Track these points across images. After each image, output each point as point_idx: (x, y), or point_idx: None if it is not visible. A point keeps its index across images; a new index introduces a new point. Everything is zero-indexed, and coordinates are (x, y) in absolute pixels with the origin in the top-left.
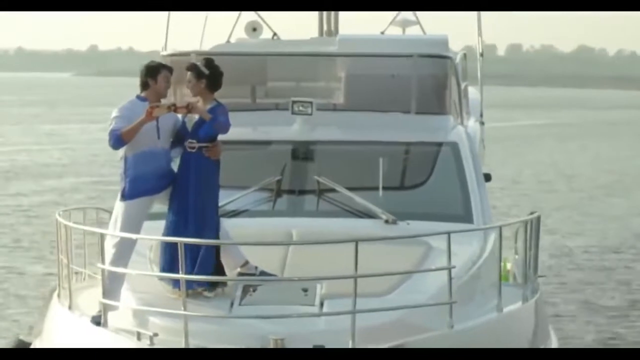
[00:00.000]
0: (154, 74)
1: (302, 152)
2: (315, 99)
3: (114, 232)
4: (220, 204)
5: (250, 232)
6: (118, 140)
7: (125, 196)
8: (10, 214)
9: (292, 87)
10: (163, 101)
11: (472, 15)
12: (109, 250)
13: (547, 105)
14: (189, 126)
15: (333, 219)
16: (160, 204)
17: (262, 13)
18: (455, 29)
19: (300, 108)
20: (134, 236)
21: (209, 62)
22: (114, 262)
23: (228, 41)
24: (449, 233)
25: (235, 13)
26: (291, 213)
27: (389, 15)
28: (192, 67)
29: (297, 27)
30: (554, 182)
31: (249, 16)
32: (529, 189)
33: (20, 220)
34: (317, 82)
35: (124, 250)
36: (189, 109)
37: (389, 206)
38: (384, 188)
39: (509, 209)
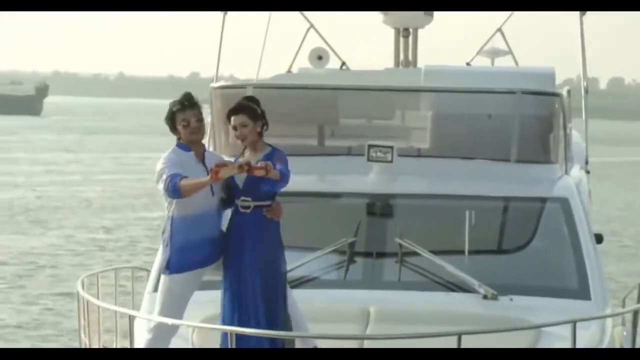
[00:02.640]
0: (172, 124)
1: (380, 207)
2: (395, 143)
3: (146, 315)
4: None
5: (319, 309)
6: (176, 190)
7: (170, 269)
8: None
9: (368, 128)
10: (235, 157)
11: (572, 47)
12: (143, 335)
13: None
14: (239, 179)
15: (418, 292)
16: (211, 275)
17: (330, 40)
18: (549, 62)
19: (379, 154)
20: (170, 321)
21: (254, 99)
22: None
23: (289, 71)
24: (574, 322)
25: (298, 40)
26: (367, 284)
27: (476, 44)
28: (246, 108)
29: (369, 55)
30: None
31: (313, 43)
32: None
33: None
34: (398, 122)
35: (162, 337)
36: (268, 170)
37: (485, 276)
38: (478, 252)
39: (619, 274)
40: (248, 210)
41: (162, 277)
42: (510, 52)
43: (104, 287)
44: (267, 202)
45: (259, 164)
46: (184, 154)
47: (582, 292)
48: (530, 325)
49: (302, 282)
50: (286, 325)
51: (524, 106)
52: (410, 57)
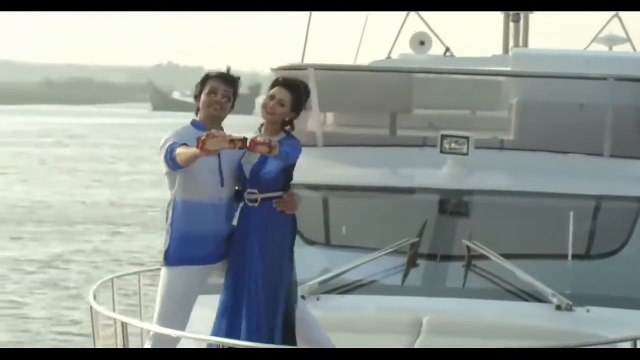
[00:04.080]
0: (199, 89)
1: (450, 204)
2: (473, 134)
3: (138, 323)
4: (331, 273)
5: (367, 318)
6: (173, 158)
7: (169, 260)
8: None
9: (447, 117)
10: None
11: None
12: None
13: None
14: (247, 168)
15: (483, 301)
16: (218, 276)
17: (433, 24)
18: None
19: (453, 145)
20: (163, 330)
21: (307, 89)
22: None
23: (389, 57)
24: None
25: (398, 24)
26: (427, 290)
27: (592, 30)
28: (296, 89)
29: (476, 41)
30: None
31: (415, 27)
32: None
33: None
34: (480, 110)
35: (162, 345)
36: (272, 147)
37: (563, 284)
38: (560, 258)
39: None
40: (255, 204)
41: (162, 271)
42: (628, 39)
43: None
44: (277, 193)
45: (261, 139)
46: (197, 132)
47: None
48: (603, 340)
49: (355, 287)
50: (288, 338)
51: (618, 94)
52: (520, 44)
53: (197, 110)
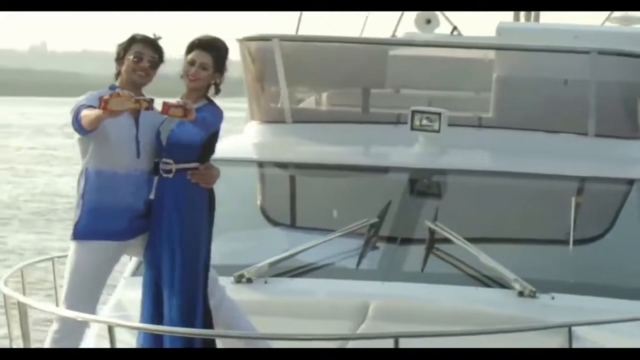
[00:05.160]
0: (121, 52)
1: (419, 185)
2: (449, 111)
3: (38, 305)
4: (286, 253)
5: (313, 303)
6: (79, 120)
7: (78, 234)
8: None
9: (424, 94)
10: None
11: None
12: (50, 333)
13: None
14: (163, 137)
15: (441, 286)
16: (135, 255)
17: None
18: None
19: (424, 122)
20: (74, 315)
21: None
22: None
23: (393, 36)
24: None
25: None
26: (382, 275)
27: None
28: (216, 49)
29: (486, 19)
30: None
31: None
32: None
33: None
34: (460, 89)
35: (70, 334)
36: (187, 110)
37: (530, 269)
38: (531, 242)
39: None
40: (170, 175)
41: (71, 247)
42: None
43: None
44: (193, 165)
45: (176, 102)
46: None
47: None
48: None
49: (308, 270)
50: (206, 321)
51: (603, 69)
52: (532, 21)
53: (118, 74)
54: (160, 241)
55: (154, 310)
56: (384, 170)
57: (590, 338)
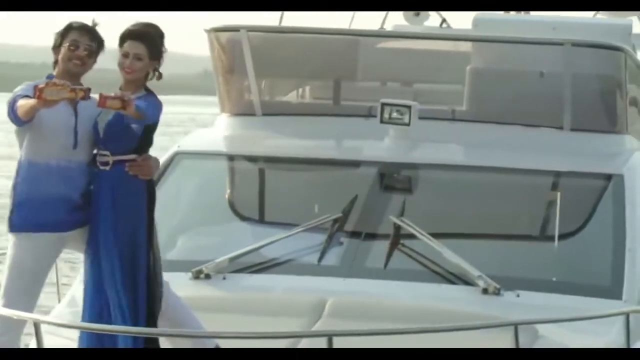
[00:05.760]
0: (58, 40)
1: (386, 179)
2: (419, 104)
3: None
4: (246, 248)
5: (269, 300)
6: (15, 110)
7: (11, 226)
8: None
9: (398, 88)
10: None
11: None
12: None
13: None
14: (100, 127)
15: (403, 283)
16: (77, 249)
17: None
18: None
19: (394, 115)
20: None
21: (161, 33)
22: None
23: (381, 28)
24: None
25: None
26: (344, 271)
27: None
28: (149, 38)
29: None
30: None
31: None
32: None
33: None
34: (436, 82)
35: (9, 332)
36: (126, 102)
37: (495, 266)
38: (498, 238)
39: None
40: (107, 167)
41: (9, 240)
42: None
43: None
44: (131, 156)
45: (114, 94)
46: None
47: (612, 289)
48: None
49: (269, 266)
50: (151, 320)
51: (578, 61)
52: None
53: (55, 63)
54: (98, 236)
55: (93, 308)
56: (353, 164)
57: (554, 337)
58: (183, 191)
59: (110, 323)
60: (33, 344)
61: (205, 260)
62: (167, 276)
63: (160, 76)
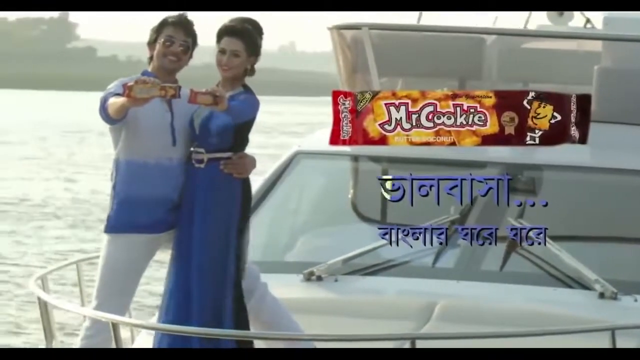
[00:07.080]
0: (153, 36)
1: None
2: None
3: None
4: (359, 250)
5: (380, 303)
6: (105, 108)
7: (110, 227)
8: None
9: (520, 88)
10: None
11: None
12: (82, 330)
13: None
14: (196, 124)
15: (518, 286)
16: (166, 249)
17: None
18: None
19: None
20: (106, 317)
21: (259, 27)
22: None
23: (525, 28)
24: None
25: None
26: (459, 274)
27: None
28: (246, 34)
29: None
30: None
31: None
32: None
33: None
34: (561, 82)
35: (99, 334)
36: (218, 97)
37: (617, 270)
38: (623, 241)
39: None
40: (202, 165)
41: (103, 241)
42: None
43: None
44: (226, 154)
45: (205, 89)
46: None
47: None
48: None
49: (383, 268)
50: (239, 320)
51: None
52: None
53: (150, 59)
54: (191, 235)
55: (179, 308)
56: (478, 165)
57: None
58: (303, 191)
59: (194, 324)
60: (127, 346)
61: (320, 261)
62: (280, 277)
63: (253, 72)
